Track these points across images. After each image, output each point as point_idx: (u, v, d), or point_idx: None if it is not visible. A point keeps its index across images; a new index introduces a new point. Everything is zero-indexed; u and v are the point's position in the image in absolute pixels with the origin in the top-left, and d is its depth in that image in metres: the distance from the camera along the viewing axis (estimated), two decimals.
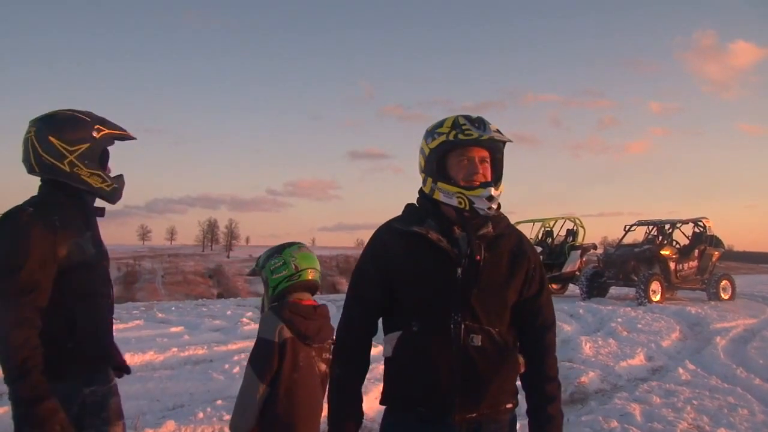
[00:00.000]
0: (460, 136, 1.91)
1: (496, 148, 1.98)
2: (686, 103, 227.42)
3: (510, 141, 1.96)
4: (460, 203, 1.91)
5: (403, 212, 2.04)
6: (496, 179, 1.98)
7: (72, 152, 2.23)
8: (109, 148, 2.34)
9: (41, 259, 2.04)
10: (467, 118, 1.96)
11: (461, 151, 1.94)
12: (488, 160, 1.97)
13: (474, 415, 1.90)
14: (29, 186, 2.30)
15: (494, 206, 1.92)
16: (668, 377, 6.46)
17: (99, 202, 2.36)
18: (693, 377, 6.41)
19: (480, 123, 1.94)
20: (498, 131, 1.93)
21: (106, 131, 2.29)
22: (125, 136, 2.36)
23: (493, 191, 1.91)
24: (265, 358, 2.38)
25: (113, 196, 2.34)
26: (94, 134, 2.25)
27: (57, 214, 2.18)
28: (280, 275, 2.54)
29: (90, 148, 2.24)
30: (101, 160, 2.30)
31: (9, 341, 1.95)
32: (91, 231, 2.29)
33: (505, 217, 2.05)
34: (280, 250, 2.61)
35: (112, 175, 2.34)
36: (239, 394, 2.42)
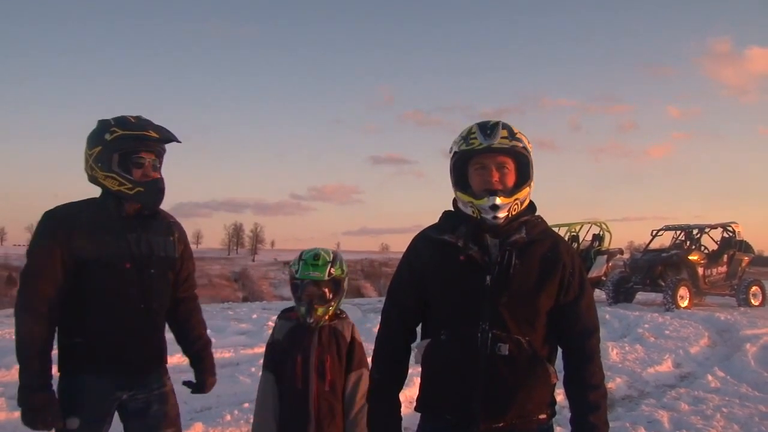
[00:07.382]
0: (463, 147, 1.92)
1: (515, 153, 1.91)
2: (706, 107, 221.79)
3: (506, 147, 1.89)
4: (473, 212, 1.91)
5: (440, 219, 2.04)
6: (519, 184, 1.92)
7: (90, 156, 2.27)
8: (145, 152, 2.28)
9: (49, 250, 2.16)
10: (481, 125, 1.93)
11: (477, 159, 1.92)
12: (508, 165, 1.92)
13: (501, 424, 1.87)
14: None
15: (500, 215, 1.87)
16: (697, 384, 6.37)
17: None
18: (722, 384, 6.31)
19: (490, 130, 1.90)
20: (508, 137, 1.89)
21: (120, 133, 2.23)
22: (143, 136, 2.25)
23: (498, 200, 1.86)
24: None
25: (138, 199, 2.27)
26: (106, 137, 2.23)
27: (87, 213, 2.24)
28: None
29: (102, 151, 2.24)
30: (124, 163, 2.24)
31: (18, 330, 2.12)
32: (136, 234, 2.29)
33: (542, 221, 2.00)
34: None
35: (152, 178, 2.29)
36: None
